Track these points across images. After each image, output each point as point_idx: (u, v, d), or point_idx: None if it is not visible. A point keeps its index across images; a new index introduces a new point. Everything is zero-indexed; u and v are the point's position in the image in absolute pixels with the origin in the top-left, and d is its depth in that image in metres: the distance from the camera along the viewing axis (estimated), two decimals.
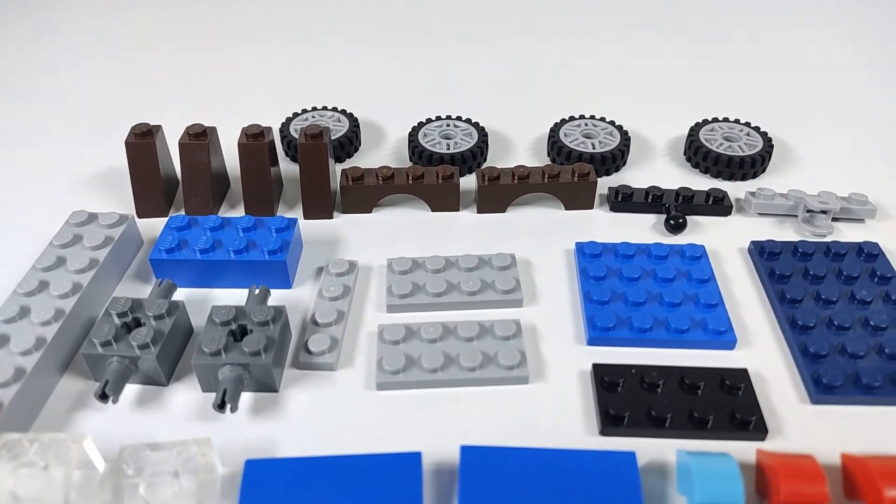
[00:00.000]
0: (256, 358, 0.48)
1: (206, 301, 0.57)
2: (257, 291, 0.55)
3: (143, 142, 0.63)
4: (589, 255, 0.60)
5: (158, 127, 0.65)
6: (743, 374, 0.49)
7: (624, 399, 0.48)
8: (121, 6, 1.11)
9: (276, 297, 0.57)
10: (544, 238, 0.64)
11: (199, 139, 0.63)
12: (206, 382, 0.49)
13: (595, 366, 0.50)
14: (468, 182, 0.69)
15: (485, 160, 0.73)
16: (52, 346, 0.50)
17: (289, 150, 0.73)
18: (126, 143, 0.63)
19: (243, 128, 0.63)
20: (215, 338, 0.49)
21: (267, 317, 0.51)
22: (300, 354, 0.51)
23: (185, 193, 0.65)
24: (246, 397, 0.49)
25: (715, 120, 0.75)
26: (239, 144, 0.63)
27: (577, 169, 0.65)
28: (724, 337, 0.52)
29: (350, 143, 0.73)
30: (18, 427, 0.46)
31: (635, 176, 0.72)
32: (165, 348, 0.50)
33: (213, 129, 0.65)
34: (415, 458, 0.43)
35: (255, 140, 0.63)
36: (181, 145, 0.63)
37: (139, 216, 0.65)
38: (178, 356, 0.52)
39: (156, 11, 1.09)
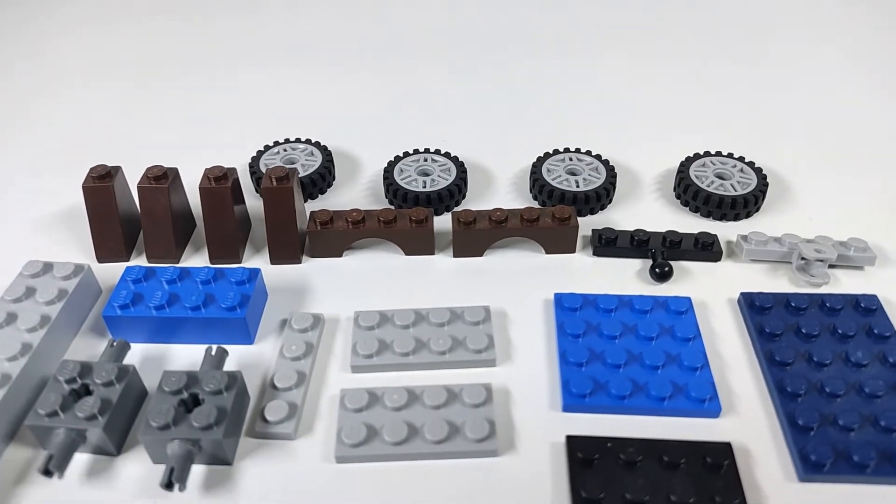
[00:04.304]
0: (207, 432, 0.45)
1: (163, 358, 0.54)
2: (214, 352, 0.52)
3: (100, 185, 0.60)
4: (567, 309, 0.56)
5: (118, 168, 0.62)
6: (726, 449, 0.46)
7: (599, 478, 0.45)
8: (76, 37, 1.04)
9: (236, 353, 0.54)
10: (522, 286, 0.60)
11: (159, 182, 0.60)
12: (156, 455, 0.47)
13: (569, 438, 0.47)
14: (445, 222, 0.66)
15: (463, 197, 0.70)
16: None
17: (258, 187, 0.70)
18: (83, 187, 0.60)
19: (205, 170, 0.60)
20: (163, 410, 0.46)
21: (220, 385, 0.48)
22: (256, 423, 0.49)
23: (146, 239, 0.62)
24: (199, 470, 0.47)
25: (707, 154, 0.71)
26: (200, 189, 0.59)
27: (557, 213, 0.62)
28: (707, 406, 0.49)
29: (323, 178, 0.70)
30: None
31: (621, 215, 0.68)
32: (114, 418, 0.47)
33: (175, 171, 0.62)
34: None
35: (217, 183, 0.60)
36: (140, 189, 0.60)
37: (99, 261, 0.62)
38: (131, 423, 0.49)
39: (115, 41, 1.02)
